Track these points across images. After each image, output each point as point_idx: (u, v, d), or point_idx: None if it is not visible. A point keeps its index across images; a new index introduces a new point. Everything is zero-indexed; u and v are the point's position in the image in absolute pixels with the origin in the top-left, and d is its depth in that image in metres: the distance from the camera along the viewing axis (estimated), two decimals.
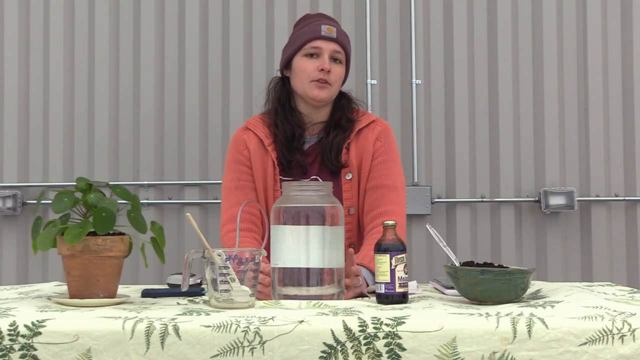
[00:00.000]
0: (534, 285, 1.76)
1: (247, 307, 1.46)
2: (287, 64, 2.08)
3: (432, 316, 1.32)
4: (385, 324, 1.28)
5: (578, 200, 3.04)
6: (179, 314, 1.36)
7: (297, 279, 1.61)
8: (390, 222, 1.55)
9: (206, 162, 3.09)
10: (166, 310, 1.42)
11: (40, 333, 1.28)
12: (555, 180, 3.08)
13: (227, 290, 1.46)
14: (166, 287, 1.79)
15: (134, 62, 3.14)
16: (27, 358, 1.27)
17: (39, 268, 3.08)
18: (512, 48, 3.12)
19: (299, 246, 1.61)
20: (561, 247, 3.07)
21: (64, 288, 1.77)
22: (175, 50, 3.13)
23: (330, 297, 1.61)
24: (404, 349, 1.25)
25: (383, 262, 1.51)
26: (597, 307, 1.38)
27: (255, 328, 1.27)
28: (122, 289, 1.72)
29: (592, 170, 3.09)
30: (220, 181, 2.33)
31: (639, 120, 3.10)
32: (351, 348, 1.26)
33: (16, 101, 3.13)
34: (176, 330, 1.28)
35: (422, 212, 3.02)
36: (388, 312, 1.35)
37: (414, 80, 3.09)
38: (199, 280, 1.78)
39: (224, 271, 1.46)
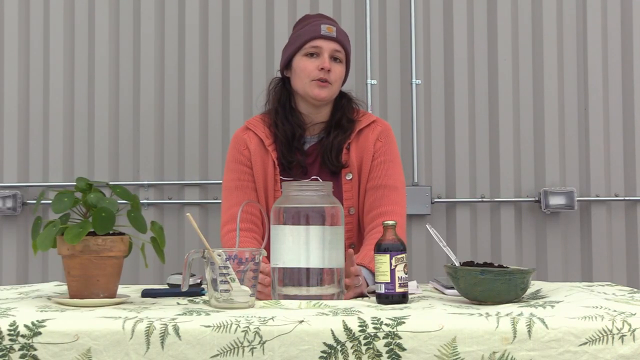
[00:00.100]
0: (534, 285, 1.76)
1: (247, 307, 1.46)
2: (287, 64, 2.08)
3: (432, 316, 1.32)
4: (385, 324, 1.28)
5: (578, 200, 3.04)
6: (179, 314, 1.36)
7: (297, 279, 1.61)
8: (390, 222, 1.55)
9: (206, 162, 3.09)
10: (166, 310, 1.41)
11: (40, 333, 1.28)
12: (555, 180, 3.08)
13: (227, 290, 1.45)
14: (166, 287, 1.79)
15: (134, 62, 3.13)
16: (27, 358, 1.27)
17: (39, 268, 3.08)
18: (512, 48, 3.12)
19: (299, 246, 1.61)
20: (561, 247, 3.07)
21: (64, 288, 1.77)
22: (175, 50, 3.13)
23: (330, 297, 1.61)
24: (404, 349, 1.25)
25: (383, 262, 1.51)
26: (597, 307, 1.38)
27: (255, 328, 1.27)
28: (122, 289, 1.72)
29: (592, 170, 3.09)
30: (220, 181, 2.33)
31: (639, 120, 3.10)
32: (351, 348, 1.26)
33: (16, 101, 3.13)
34: (176, 330, 1.28)
35: (422, 212, 3.02)
36: (388, 312, 1.35)
37: (414, 80, 3.09)
38: (199, 280, 1.78)
39: (224, 271, 1.46)
